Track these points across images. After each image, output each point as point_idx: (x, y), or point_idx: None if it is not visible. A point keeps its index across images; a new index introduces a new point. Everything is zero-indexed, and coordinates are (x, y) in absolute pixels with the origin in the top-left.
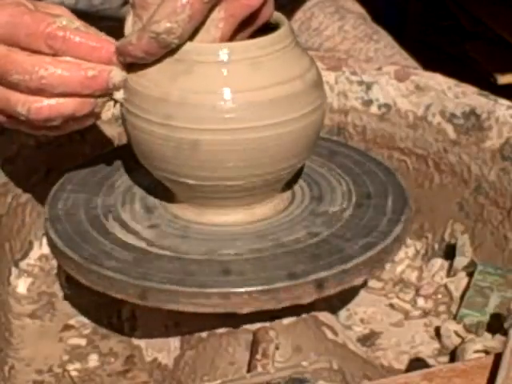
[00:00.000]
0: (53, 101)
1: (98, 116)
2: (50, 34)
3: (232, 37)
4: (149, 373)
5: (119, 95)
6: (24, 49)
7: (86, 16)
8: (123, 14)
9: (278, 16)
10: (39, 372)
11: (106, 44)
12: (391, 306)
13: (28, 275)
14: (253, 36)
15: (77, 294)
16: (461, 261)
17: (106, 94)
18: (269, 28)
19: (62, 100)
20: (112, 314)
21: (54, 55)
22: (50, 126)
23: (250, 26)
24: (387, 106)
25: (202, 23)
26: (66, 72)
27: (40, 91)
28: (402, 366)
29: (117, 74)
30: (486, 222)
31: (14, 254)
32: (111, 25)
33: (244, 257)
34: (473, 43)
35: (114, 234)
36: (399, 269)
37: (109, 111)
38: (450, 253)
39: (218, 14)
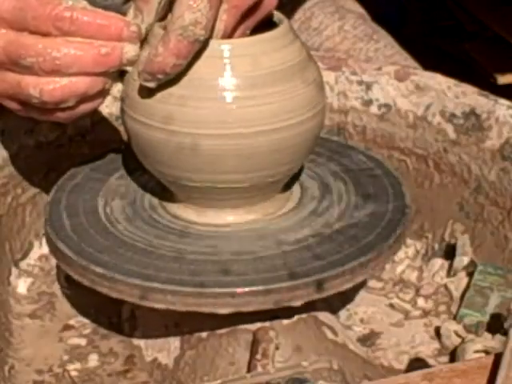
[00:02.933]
0: (65, 81)
1: (107, 93)
2: (57, 16)
3: (235, 28)
4: (149, 373)
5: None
6: (33, 32)
7: None
8: (126, 10)
9: (276, 14)
10: (39, 372)
11: (114, 21)
12: (391, 305)
13: (28, 275)
14: (252, 35)
15: (77, 293)
16: (461, 261)
17: (120, 70)
18: (268, 27)
19: (74, 79)
20: (112, 314)
21: (64, 37)
22: (63, 107)
23: (253, 17)
24: (387, 105)
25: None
26: (79, 51)
27: (54, 72)
28: (402, 366)
29: (130, 50)
30: (486, 222)
31: (14, 254)
32: None
33: (244, 257)
34: (473, 43)
35: (113, 233)
36: (399, 269)
37: (116, 87)
38: (450, 253)
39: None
